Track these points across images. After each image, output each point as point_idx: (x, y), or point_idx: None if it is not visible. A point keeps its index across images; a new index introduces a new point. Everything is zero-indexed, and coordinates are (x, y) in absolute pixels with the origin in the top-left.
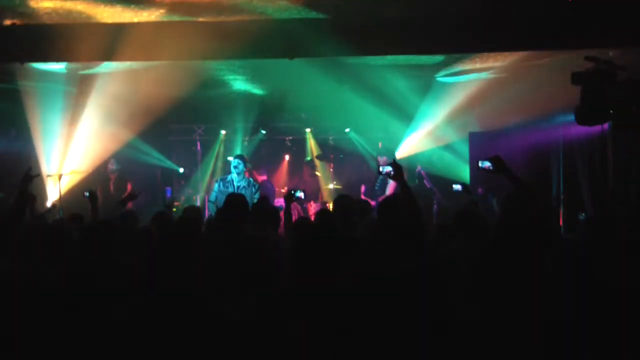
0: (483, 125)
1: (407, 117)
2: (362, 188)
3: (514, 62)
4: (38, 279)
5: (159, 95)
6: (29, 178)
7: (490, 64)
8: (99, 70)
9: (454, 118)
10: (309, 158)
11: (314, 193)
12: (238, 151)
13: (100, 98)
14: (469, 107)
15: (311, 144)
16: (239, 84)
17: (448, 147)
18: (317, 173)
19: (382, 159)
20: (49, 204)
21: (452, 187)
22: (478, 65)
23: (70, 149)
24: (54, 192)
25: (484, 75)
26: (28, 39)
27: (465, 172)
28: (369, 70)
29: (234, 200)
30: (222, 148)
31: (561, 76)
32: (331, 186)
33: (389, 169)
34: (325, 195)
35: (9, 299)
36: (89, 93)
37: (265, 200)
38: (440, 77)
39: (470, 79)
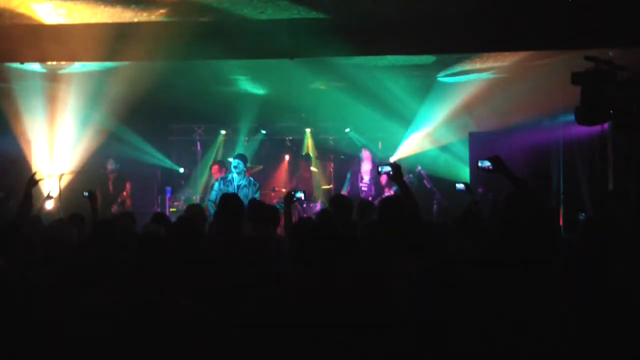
0: (483, 125)
1: (407, 117)
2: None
3: (514, 62)
4: (38, 279)
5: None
6: (34, 181)
7: (490, 64)
8: (81, 68)
9: (455, 118)
10: (304, 153)
11: (311, 193)
12: (238, 151)
13: (85, 96)
14: (469, 107)
15: (308, 143)
16: (239, 84)
17: (448, 148)
18: (313, 169)
19: (365, 153)
20: (49, 205)
21: (451, 188)
22: (478, 66)
23: (62, 149)
24: (52, 192)
25: (484, 75)
26: (28, 39)
27: (464, 173)
28: (369, 70)
29: (229, 200)
30: (221, 148)
31: (561, 76)
32: (330, 186)
33: (387, 168)
34: (318, 195)
35: (8, 298)
36: (71, 91)
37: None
38: (441, 78)
39: (470, 79)
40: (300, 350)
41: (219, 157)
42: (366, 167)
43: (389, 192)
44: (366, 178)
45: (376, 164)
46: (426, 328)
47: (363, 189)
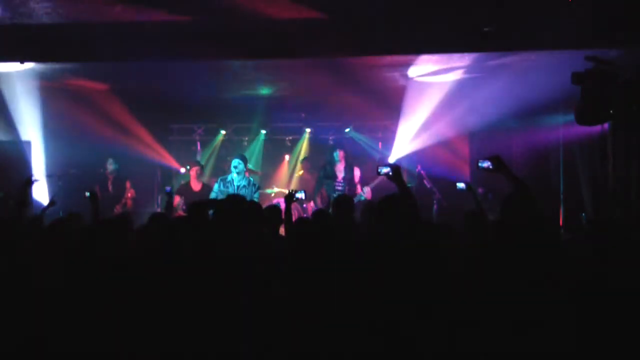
0: (482, 123)
1: (405, 116)
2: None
3: (513, 60)
4: (38, 279)
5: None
6: (30, 183)
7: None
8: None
9: (453, 116)
10: (303, 157)
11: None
12: (238, 151)
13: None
14: (466, 105)
15: (303, 145)
16: (240, 84)
17: (446, 146)
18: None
19: (340, 153)
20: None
21: (452, 187)
22: (477, 64)
23: (61, 149)
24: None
25: (479, 74)
26: (28, 38)
27: (462, 171)
28: (368, 69)
29: (232, 200)
30: (218, 148)
31: (561, 76)
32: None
33: (387, 169)
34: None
35: (8, 298)
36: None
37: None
38: (427, 78)
39: (468, 78)
40: (299, 350)
41: (215, 157)
42: (340, 167)
43: (362, 191)
44: (339, 176)
45: (375, 165)
46: (426, 329)
47: (337, 188)
